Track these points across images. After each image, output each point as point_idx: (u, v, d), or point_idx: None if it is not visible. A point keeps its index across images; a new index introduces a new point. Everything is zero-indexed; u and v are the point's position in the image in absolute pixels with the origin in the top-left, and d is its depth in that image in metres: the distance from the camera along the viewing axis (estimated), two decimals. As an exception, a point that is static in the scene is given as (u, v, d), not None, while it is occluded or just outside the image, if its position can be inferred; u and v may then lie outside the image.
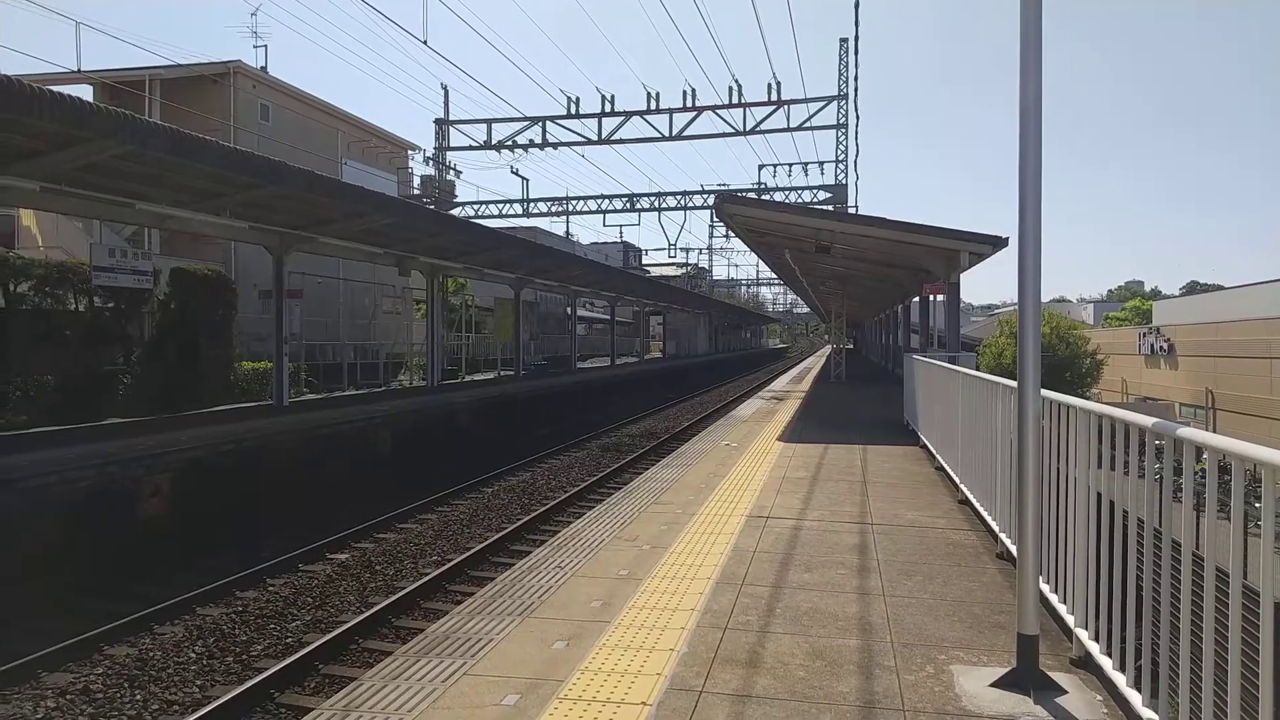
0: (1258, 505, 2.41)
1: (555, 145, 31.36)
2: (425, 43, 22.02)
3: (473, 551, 10.02)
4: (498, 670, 3.83)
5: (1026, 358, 3.59)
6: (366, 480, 14.27)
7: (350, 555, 10.21)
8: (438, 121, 32.82)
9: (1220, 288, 56.75)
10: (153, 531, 10.28)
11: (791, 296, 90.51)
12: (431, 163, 33.19)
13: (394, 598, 8.26)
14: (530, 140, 31.53)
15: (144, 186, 11.58)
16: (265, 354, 18.24)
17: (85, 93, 22.57)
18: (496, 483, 14.98)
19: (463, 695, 3.56)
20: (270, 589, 8.90)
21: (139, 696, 6.25)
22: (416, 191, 33.17)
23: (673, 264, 68.85)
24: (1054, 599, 4.09)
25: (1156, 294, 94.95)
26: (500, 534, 10.91)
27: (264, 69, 26.99)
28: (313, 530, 10.95)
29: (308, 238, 15.45)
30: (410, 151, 34.60)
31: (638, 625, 4.39)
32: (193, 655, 7.03)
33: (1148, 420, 3.02)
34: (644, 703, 3.45)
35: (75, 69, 21.22)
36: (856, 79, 29.99)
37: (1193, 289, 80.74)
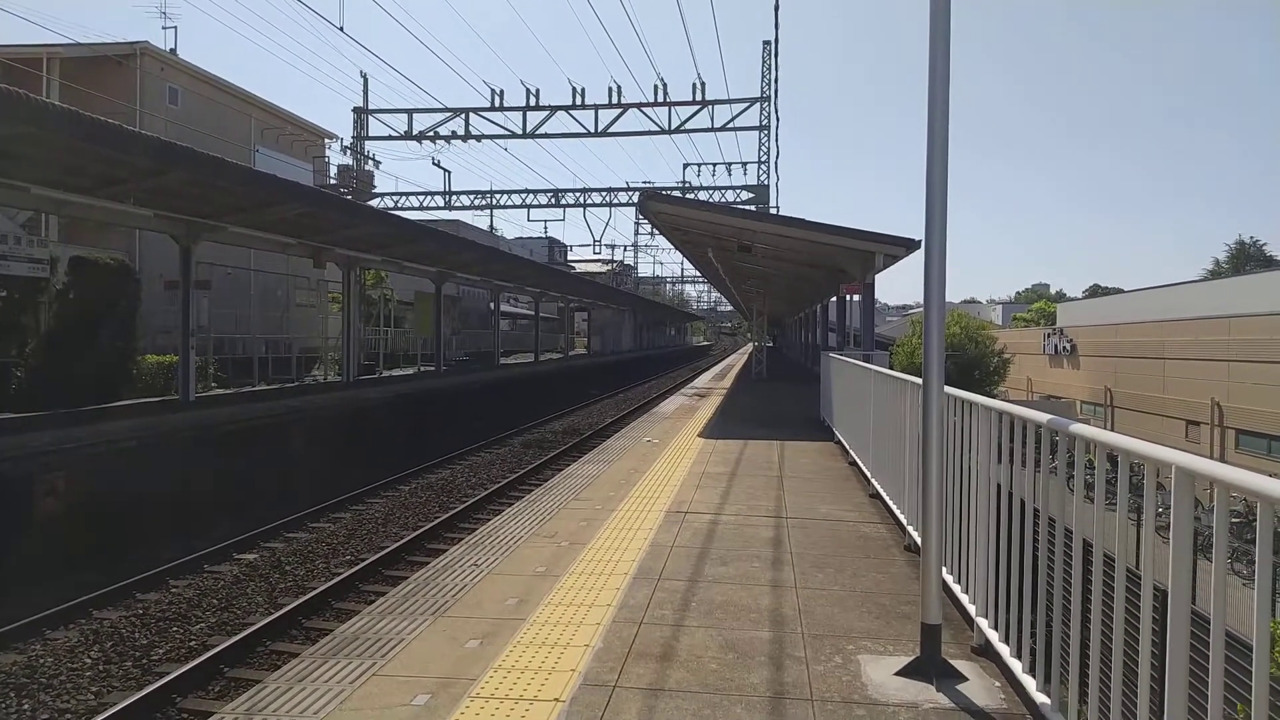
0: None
1: (479, 138, 30.89)
2: (341, 29, 21.40)
3: (387, 551, 9.83)
4: (408, 670, 3.75)
5: (931, 355, 3.70)
6: (275, 479, 13.84)
7: (259, 555, 9.91)
8: (356, 110, 31.94)
9: (1121, 291, 59.54)
10: (45, 533, 9.77)
11: (715, 295, 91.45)
12: (349, 152, 32.33)
13: (304, 598, 8.05)
14: (453, 132, 30.99)
15: (39, 170, 10.98)
16: (171, 347, 17.49)
17: (-26, 69, 21.24)
18: (414, 480, 14.74)
19: (371, 696, 3.49)
20: (174, 590, 8.58)
21: (26, 706, 5.94)
22: (334, 181, 32.24)
23: (598, 260, 68.71)
24: (957, 589, 4.23)
25: (1061, 296, 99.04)
26: (416, 532, 10.73)
27: (173, 51, 25.89)
28: (217, 530, 10.58)
29: (217, 226, 14.90)
30: (327, 140, 33.63)
31: (553, 622, 4.37)
32: (88, 661, 6.73)
33: (1044, 417, 3.15)
34: (557, 699, 3.43)
35: (-38, 43, 20.00)
36: (776, 81, 30.37)
37: (1095, 292, 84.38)
